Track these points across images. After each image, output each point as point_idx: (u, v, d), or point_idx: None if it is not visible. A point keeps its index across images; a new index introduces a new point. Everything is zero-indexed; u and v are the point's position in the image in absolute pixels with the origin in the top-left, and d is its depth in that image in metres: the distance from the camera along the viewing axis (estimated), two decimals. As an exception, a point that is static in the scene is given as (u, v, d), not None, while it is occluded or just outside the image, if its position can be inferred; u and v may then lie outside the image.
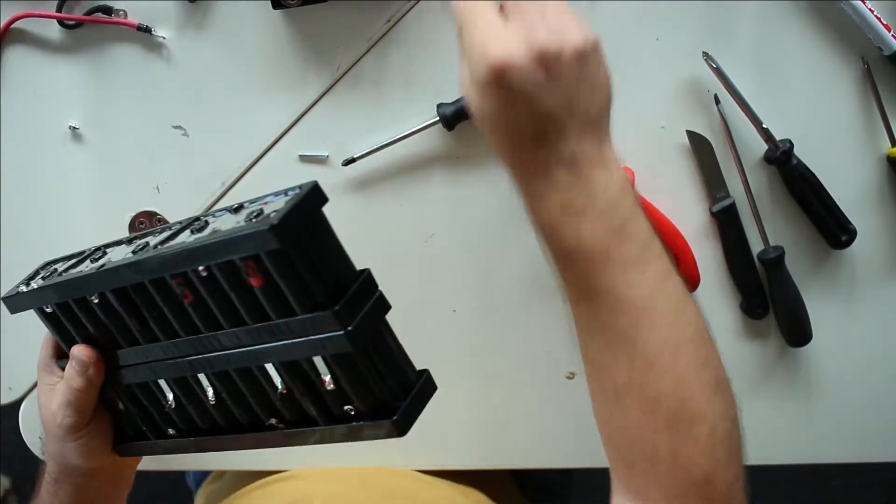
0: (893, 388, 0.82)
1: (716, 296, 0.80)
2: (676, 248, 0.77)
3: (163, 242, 0.56)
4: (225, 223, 0.53)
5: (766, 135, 0.76)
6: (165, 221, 0.80)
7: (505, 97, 0.48)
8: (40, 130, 0.79)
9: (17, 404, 0.83)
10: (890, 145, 0.77)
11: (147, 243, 0.58)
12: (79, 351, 0.62)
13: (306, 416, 0.57)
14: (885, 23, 0.74)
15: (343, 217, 0.79)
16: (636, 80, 0.77)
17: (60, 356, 0.66)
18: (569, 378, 0.81)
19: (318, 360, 0.53)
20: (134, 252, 0.57)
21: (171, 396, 0.62)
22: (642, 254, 0.51)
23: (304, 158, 0.79)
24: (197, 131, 0.79)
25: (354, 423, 0.54)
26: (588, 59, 0.50)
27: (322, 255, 0.51)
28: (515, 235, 0.79)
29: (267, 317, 0.53)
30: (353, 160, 0.78)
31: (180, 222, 0.59)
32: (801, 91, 0.77)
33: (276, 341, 0.53)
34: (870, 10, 0.74)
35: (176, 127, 0.79)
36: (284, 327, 0.52)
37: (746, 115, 0.76)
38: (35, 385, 0.82)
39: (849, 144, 0.78)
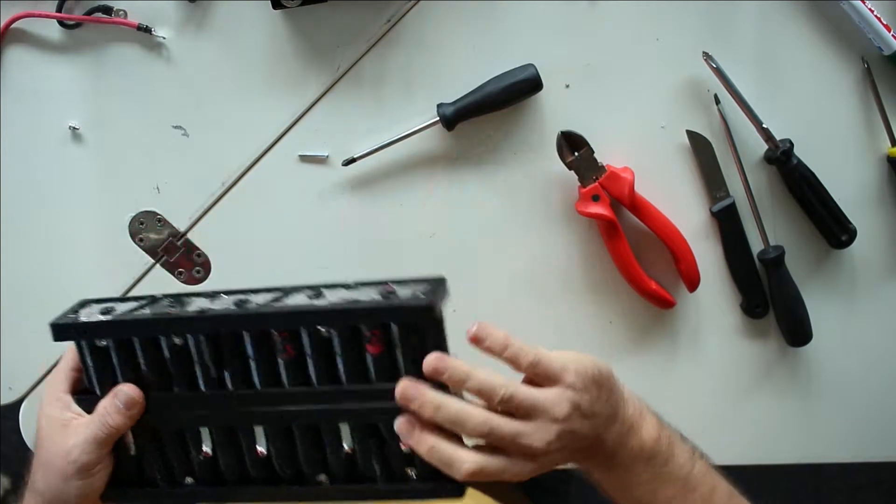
0: (893, 388, 0.82)
1: (716, 296, 0.80)
2: (676, 248, 0.77)
3: (275, 300, 0.61)
4: (344, 295, 0.61)
5: (766, 135, 0.76)
6: (166, 221, 0.80)
7: (585, 425, 0.59)
8: (40, 130, 0.79)
9: (17, 404, 0.83)
10: (890, 145, 0.77)
11: (248, 300, 0.62)
12: (128, 388, 0.61)
13: (359, 474, 0.61)
14: (885, 23, 0.74)
15: (343, 217, 0.80)
16: (636, 80, 0.77)
17: (77, 392, 0.64)
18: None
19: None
20: (237, 305, 0.61)
21: (207, 447, 0.62)
22: (686, 484, 0.63)
23: (304, 158, 0.79)
24: (197, 131, 0.79)
25: (420, 483, 0.60)
26: (611, 372, 0.61)
27: (438, 334, 0.58)
28: (515, 235, 0.79)
29: (365, 380, 0.59)
30: (353, 160, 0.78)
31: (281, 288, 0.63)
32: (801, 91, 0.77)
33: (377, 402, 0.58)
34: (870, 10, 0.74)
35: (176, 127, 0.79)
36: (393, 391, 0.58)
37: (746, 115, 0.76)
38: (35, 385, 0.82)
39: (849, 144, 0.78)
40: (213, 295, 0.64)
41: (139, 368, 0.62)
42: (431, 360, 0.57)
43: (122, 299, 0.66)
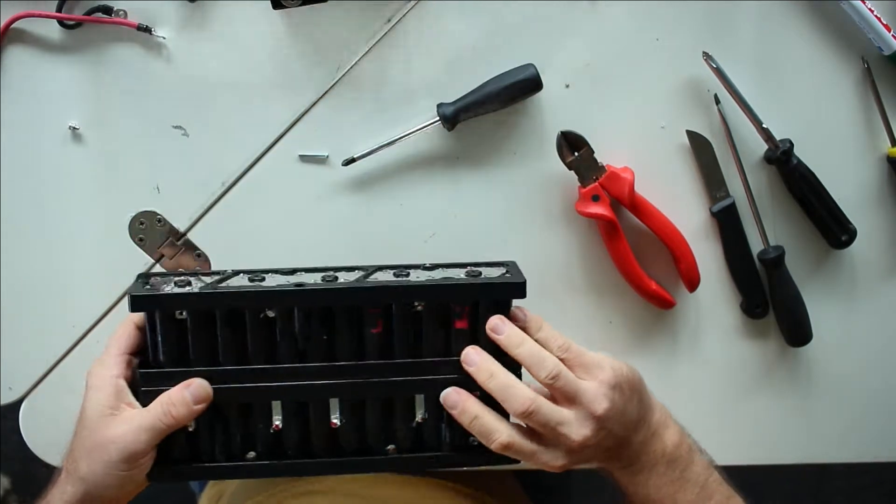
0: (894, 387, 0.82)
1: (716, 296, 0.80)
2: (676, 248, 0.77)
3: (363, 278, 0.65)
4: (429, 275, 0.66)
5: (766, 135, 0.76)
6: (166, 221, 0.80)
7: (613, 424, 0.61)
8: (40, 130, 0.79)
9: (17, 404, 0.83)
10: (890, 145, 0.77)
11: (335, 276, 0.65)
12: (202, 383, 0.61)
13: (424, 444, 0.65)
14: (885, 23, 0.74)
15: (343, 217, 0.80)
16: (636, 80, 0.77)
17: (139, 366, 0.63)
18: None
19: None
20: (324, 279, 0.64)
21: (278, 419, 0.63)
22: (703, 490, 0.66)
23: (304, 158, 0.79)
24: (197, 131, 0.79)
25: (480, 450, 0.63)
26: (641, 377, 0.64)
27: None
28: (515, 235, 0.79)
29: (445, 355, 0.63)
30: (353, 160, 0.78)
31: (362, 267, 0.67)
32: (801, 91, 0.77)
33: (455, 374, 0.62)
34: (870, 10, 0.74)
35: (176, 127, 0.79)
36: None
37: (746, 115, 0.76)
38: (35, 385, 0.82)
39: (849, 144, 0.78)
40: (292, 272, 0.66)
41: (216, 341, 0.62)
42: (494, 320, 0.62)
43: (194, 273, 0.66)
